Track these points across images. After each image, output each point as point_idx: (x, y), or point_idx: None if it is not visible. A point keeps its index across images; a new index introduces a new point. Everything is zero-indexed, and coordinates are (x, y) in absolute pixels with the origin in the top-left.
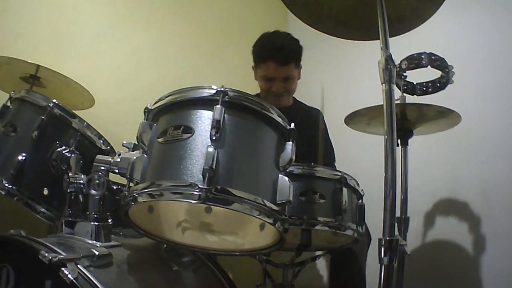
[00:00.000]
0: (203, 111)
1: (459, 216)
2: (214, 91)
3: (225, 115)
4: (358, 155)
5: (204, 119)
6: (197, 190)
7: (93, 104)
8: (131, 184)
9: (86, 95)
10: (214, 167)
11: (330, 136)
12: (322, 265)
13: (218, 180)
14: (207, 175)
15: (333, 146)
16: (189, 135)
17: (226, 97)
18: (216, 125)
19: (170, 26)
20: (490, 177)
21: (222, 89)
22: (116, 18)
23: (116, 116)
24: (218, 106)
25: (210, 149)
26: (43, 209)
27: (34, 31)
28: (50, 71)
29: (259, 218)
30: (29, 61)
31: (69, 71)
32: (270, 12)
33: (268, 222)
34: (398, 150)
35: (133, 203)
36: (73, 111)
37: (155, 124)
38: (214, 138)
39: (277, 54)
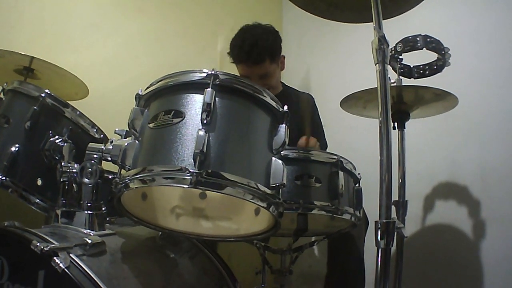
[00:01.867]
0: (193, 95)
1: (458, 200)
2: (204, 75)
3: (216, 98)
4: (355, 139)
5: (194, 103)
6: (188, 174)
7: (87, 95)
8: (123, 171)
9: (80, 86)
10: (205, 150)
11: (325, 121)
12: (320, 250)
13: (210, 164)
14: (197, 158)
15: (325, 132)
16: (180, 119)
17: (217, 80)
18: (207, 109)
19: (163, 15)
20: (488, 160)
21: (213, 72)
22: (109, 7)
23: (111, 105)
24: (209, 89)
25: (201, 133)
26: (37, 200)
27: (28, 22)
28: (44, 62)
29: (253, 202)
30: (22, 53)
31: (63, 62)
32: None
33: (262, 206)
34: (395, 133)
35: (125, 189)
36: (68, 101)
37: (146, 110)
38: (205, 121)
39: (247, 56)
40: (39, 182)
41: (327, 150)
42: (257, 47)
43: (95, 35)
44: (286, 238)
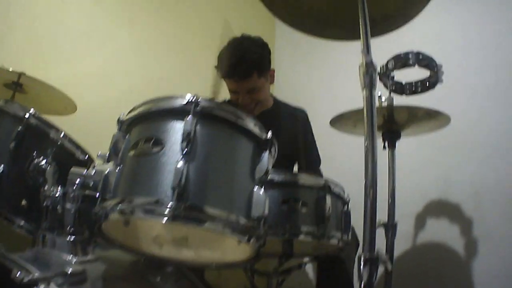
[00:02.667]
0: (174, 122)
1: (451, 219)
2: (185, 101)
3: (198, 126)
4: (346, 155)
5: (175, 131)
6: (166, 208)
7: (76, 110)
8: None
9: (68, 101)
10: (183, 183)
11: (316, 136)
12: (310, 270)
13: (189, 197)
14: (176, 191)
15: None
16: (160, 148)
17: (198, 107)
18: (187, 138)
19: (154, 27)
20: (481, 178)
21: (194, 98)
22: (100, 19)
23: (100, 119)
24: (189, 117)
25: (180, 164)
26: (22, 222)
27: (18, 35)
28: (32, 79)
29: (233, 236)
30: (10, 69)
31: (53, 74)
32: (257, 12)
33: (242, 240)
34: (385, 153)
35: (105, 219)
36: (57, 116)
37: (128, 135)
38: (184, 151)
39: (233, 71)
40: (24, 202)
41: (320, 167)
42: (244, 61)
43: (85, 47)
44: (275, 260)
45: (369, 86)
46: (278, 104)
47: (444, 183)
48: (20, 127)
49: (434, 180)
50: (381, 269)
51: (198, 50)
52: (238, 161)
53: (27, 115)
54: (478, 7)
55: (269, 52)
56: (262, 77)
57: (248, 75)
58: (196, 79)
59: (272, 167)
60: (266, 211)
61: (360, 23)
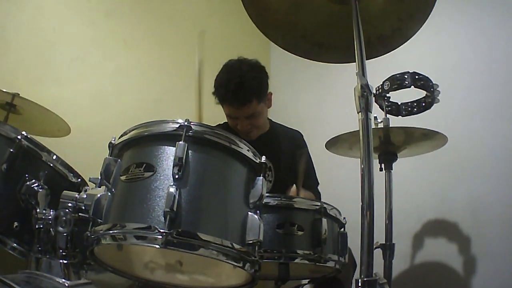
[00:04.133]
0: (166, 147)
1: (449, 238)
2: (177, 126)
3: (190, 151)
4: (342, 179)
5: (166, 156)
6: (158, 234)
7: (69, 132)
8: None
9: (62, 123)
10: (175, 209)
11: (312, 157)
12: None
13: (181, 223)
14: (168, 217)
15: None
16: (151, 173)
17: (190, 131)
18: (179, 163)
19: (148, 49)
20: (478, 197)
21: (186, 123)
22: (94, 41)
23: (94, 141)
24: (181, 142)
25: (171, 190)
26: (14, 244)
27: (12, 55)
28: (25, 100)
29: (227, 262)
30: (4, 90)
31: (47, 95)
32: (253, 35)
33: (236, 266)
34: (382, 174)
35: (97, 244)
36: (50, 138)
37: (119, 160)
38: (176, 176)
39: (233, 97)
40: (16, 225)
41: (319, 187)
42: (243, 87)
43: (79, 69)
44: (271, 283)
45: (365, 109)
46: (275, 127)
47: (441, 202)
48: (12, 149)
49: (432, 200)
50: None
51: (191, 73)
52: (231, 186)
53: (19, 137)
54: (474, 27)
55: (267, 76)
56: (261, 102)
57: (247, 101)
58: (192, 102)
59: (270, 189)
60: (261, 237)
61: (355, 46)
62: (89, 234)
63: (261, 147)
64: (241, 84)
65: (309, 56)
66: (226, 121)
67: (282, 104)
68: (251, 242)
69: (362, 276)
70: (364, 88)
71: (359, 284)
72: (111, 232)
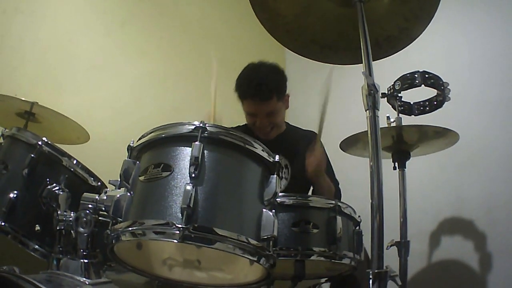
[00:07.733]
0: (182, 148)
1: (464, 235)
2: (193, 127)
3: (205, 151)
4: (357, 178)
5: (183, 156)
6: (176, 229)
7: (89, 139)
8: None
9: (81, 130)
10: (191, 205)
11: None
12: None
13: (197, 218)
14: (185, 213)
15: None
16: (169, 173)
17: (206, 132)
18: (195, 162)
19: (166, 58)
20: (493, 194)
21: (201, 125)
22: (112, 50)
23: (113, 148)
24: (197, 143)
25: (188, 187)
26: (36, 246)
27: (30, 64)
28: (44, 108)
29: (243, 256)
30: (23, 99)
31: (66, 104)
32: (267, 40)
33: (252, 260)
34: (396, 173)
35: (116, 241)
36: (69, 145)
37: (138, 162)
38: (193, 175)
39: (255, 92)
40: (38, 228)
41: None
42: (265, 83)
43: (98, 77)
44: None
45: (372, 107)
46: (291, 128)
47: (456, 200)
48: (33, 154)
49: (446, 198)
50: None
51: (208, 80)
52: (246, 184)
53: (40, 143)
54: (485, 23)
55: (285, 78)
56: (280, 100)
57: (269, 97)
58: (208, 108)
59: (287, 189)
60: (275, 232)
61: (362, 46)
62: (109, 232)
63: (278, 147)
64: (263, 80)
65: (320, 58)
66: (245, 123)
67: (297, 107)
68: (266, 237)
69: (373, 269)
70: (371, 87)
71: (370, 276)
72: (130, 229)
